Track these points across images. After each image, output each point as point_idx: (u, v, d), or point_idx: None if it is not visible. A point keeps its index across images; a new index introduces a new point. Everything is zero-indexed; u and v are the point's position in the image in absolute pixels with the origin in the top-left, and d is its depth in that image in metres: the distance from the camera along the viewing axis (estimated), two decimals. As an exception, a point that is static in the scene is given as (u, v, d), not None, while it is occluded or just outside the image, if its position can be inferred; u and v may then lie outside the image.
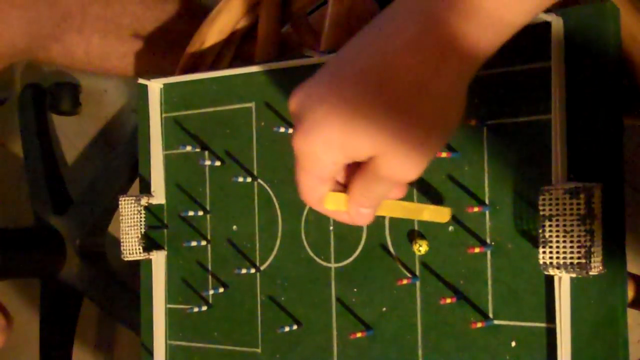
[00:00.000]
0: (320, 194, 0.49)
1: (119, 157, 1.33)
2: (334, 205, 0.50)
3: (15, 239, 1.36)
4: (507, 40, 0.46)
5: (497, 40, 0.46)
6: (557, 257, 0.54)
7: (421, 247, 0.63)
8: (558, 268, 0.54)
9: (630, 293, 0.59)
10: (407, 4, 0.46)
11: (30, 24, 0.86)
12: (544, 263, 0.55)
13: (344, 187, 0.51)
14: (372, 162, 0.46)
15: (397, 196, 0.52)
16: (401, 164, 0.45)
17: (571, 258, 0.54)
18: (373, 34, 0.47)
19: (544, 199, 0.55)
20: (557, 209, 0.55)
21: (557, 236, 0.54)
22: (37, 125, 1.48)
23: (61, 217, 1.36)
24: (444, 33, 0.44)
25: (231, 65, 0.84)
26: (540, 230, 0.55)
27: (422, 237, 0.65)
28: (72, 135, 1.60)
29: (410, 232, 0.66)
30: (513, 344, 0.60)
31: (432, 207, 0.59)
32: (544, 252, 0.55)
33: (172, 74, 0.85)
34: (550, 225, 0.55)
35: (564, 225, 0.54)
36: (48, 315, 1.42)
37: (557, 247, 0.54)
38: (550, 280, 0.58)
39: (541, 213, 0.55)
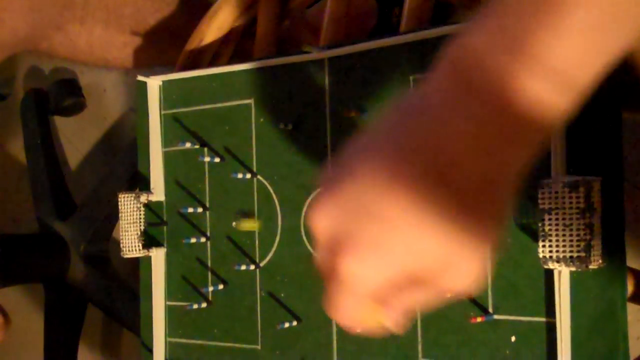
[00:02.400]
0: (362, 313, 0.42)
1: (121, 162, 1.33)
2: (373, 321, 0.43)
3: (19, 244, 1.36)
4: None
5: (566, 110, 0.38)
6: (557, 251, 0.54)
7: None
8: (558, 262, 0.54)
9: (630, 288, 0.58)
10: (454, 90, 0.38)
11: (32, 12, 0.86)
12: (544, 257, 0.55)
13: None
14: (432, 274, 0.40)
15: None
16: (466, 276, 0.40)
17: (571, 252, 0.54)
18: (420, 122, 0.39)
19: (543, 193, 0.55)
20: (557, 203, 0.54)
21: (557, 230, 0.54)
22: (40, 132, 1.48)
23: (65, 222, 1.37)
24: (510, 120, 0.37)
25: (230, 62, 0.84)
26: (540, 224, 0.55)
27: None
28: (72, 136, 1.60)
29: None
30: (513, 338, 0.60)
31: None
32: (544, 246, 0.55)
33: (172, 66, 0.85)
34: (549, 219, 0.55)
35: (564, 219, 0.54)
36: (53, 320, 1.42)
37: (557, 240, 0.54)
38: (549, 274, 0.58)
39: (540, 207, 0.55)
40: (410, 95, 0.40)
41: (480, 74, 0.36)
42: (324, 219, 0.40)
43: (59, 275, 1.32)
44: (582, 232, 0.54)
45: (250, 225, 0.56)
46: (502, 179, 0.39)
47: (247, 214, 0.76)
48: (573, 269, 0.54)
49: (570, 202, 0.54)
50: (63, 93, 1.54)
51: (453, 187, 0.37)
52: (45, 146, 1.48)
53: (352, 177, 0.39)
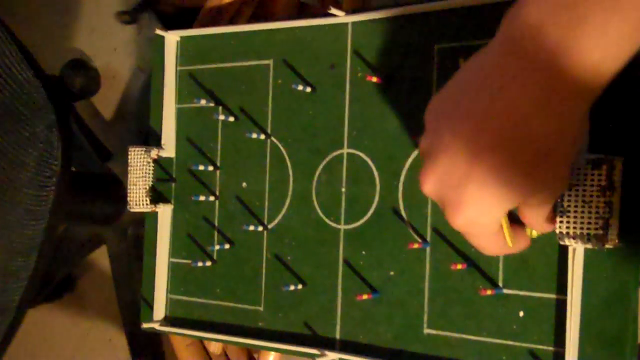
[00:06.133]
0: (501, 242, 0.52)
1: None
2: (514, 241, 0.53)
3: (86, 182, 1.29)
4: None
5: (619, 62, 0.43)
6: (574, 228, 0.54)
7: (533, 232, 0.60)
8: (574, 238, 0.54)
9: (643, 270, 0.58)
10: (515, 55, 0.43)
11: None
12: (561, 232, 0.54)
13: None
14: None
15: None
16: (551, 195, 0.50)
17: (588, 229, 0.53)
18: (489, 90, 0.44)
19: (564, 169, 0.54)
20: (578, 179, 0.54)
21: (576, 206, 0.54)
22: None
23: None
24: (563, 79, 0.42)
25: (250, 22, 0.83)
26: (559, 200, 0.55)
27: None
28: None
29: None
30: (521, 313, 0.60)
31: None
32: (561, 222, 0.54)
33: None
34: (569, 195, 0.54)
35: (584, 196, 0.54)
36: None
37: (575, 217, 0.54)
38: (563, 251, 0.58)
39: (561, 182, 0.54)
40: (478, 62, 0.46)
41: (543, 45, 0.41)
42: (429, 189, 0.48)
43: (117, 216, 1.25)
44: (601, 210, 0.53)
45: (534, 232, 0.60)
46: (567, 135, 0.45)
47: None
48: (589, 246, 0.54)
49: (592, 180, 0.54)
50: (77, 73, 1.49)
51: (526, 147, 0.44)
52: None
53: (444, 150, 0.46)
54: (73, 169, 1.01)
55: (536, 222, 0.53)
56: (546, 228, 0.54)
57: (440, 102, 0.48)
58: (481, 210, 0.47)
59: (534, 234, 0.58)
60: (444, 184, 0.47)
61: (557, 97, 0.42)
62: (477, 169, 0.45)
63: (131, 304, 1.28)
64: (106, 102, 1.55)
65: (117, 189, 1.20)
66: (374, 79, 0.67)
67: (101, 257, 1.36)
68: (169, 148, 0.82)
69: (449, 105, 0.47)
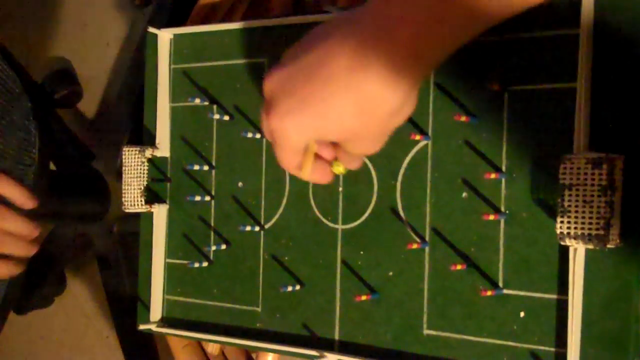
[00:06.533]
0: (296, 162, 0.55)
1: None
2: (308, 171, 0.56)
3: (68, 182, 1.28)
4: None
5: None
6: (575, 228, 0.53)
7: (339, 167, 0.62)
8: (575, 239, 0.53)
9: (644, 269, 0.58)
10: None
11: None
12: (561, 233, 0.54)
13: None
14: (341, 142, 0.53)
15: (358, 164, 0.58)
16: (362, 148, 0.52)
17: (589, 229, 0.53)
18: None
19: (564, 168, 0.54)
20: (578, 179, 0.53)
21: (577, 206, 0.53)
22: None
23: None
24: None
25: (244, 19, 0.82)
26: (559, 200, 0.54)
27: None
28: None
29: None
30: (522, 314, 0.59)
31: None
32: (562, 222, 0.54)
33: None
34: (570, 195, 0.54)
35: (584, 196, 0.53)
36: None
37: (576, 217, 0.53)
38: (564, 251, 0.57)
39: (561, 182, 0.54)
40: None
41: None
42: (269, 83, 0.51)
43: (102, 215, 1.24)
44: (602, 210, 0.53)
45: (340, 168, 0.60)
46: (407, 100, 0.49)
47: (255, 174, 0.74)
48: (590, 246, 0.53)
49: (593, 179, 0.53)
50: (59, 83, 1.47)
51: (356, 90, 0.47)
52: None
53: (294, 61, 0.50)
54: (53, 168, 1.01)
55: (346, 160, 0.56)
56: (353, 166, 0.58)
57: (313, 32, 0.52)
58: (294, 123, 0.50)
59: (340, 170, 0.60)
60: (281, 85, 0.50)
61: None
62: (309, 88, 0.49)
63: (121, 301, 1.28)
64: (95, 99, 1.54)
65: (102, 187, 1.20)
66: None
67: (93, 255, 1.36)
68: (163, 147, 0.81)
69: (320, 31, 0.51)
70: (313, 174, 0.56)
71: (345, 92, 0.48)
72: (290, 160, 0.54)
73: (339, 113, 0.48)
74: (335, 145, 0.56)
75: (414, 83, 0.48)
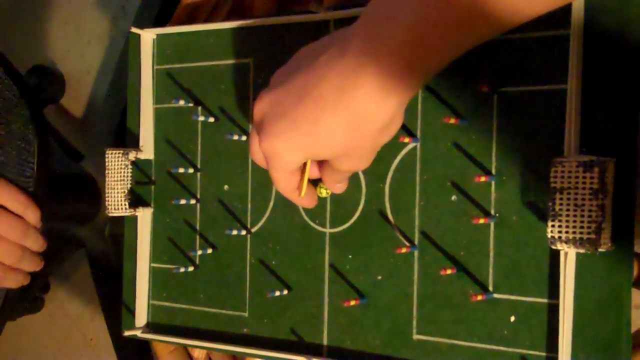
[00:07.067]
0: (292, 184, 0.56)
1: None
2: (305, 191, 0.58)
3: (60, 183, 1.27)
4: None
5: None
6: (567, 232, 0.53)
7: (322, 190, 0.65)
8: (566, 243, 0.53)
9: (634, 272, 0.57)
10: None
11: None
12: (552, 237, 0.53)
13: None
14: (331, 160, 0.54)
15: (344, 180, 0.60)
16: (352, 164, 0.53)
17: (581, 233, 0.52)
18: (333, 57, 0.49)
19: (555, 171, 0.53)
20: (569, 182, 0.53)
21: (568, 210, 0.53)
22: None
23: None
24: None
25: (228, 19, 0.81)
26: (550, 203, 0.53)
27: None
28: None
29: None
30: (512, 318, 0.59)
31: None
32: (553, 226, 0.53)
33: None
34: (561, 199, 0.53)
35: (575, 199, 0.53)
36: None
37: (567, 221, 0.53)
38: (554, 255, 0.56)
39: (552, 185, 0.53)
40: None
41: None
42: (260, 106, 0.53)
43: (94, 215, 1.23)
44: (593, 214, 0.52)
45: (324, 192, 0.66)
46: (395, 118, 0.49)
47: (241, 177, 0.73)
48: (582, 250, 0.53)
49: (584, 182, 0.52)
50: (41, 79, 1.45)
51: (344, 109, 0.48)
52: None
53: (285, 84, 0.51)
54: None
55: (330, 181, 0.58)
56: (337, 190, 0.60)
57: (302, 53, 0.54)
58: (287, 144, 0.51)
59: (324, 193, 0.64)
60: (272, 108, 0.51)
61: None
62: (300, 109, 0.49)
63: (114, 304, 1.26)
64: (78, 98, 1.52)
65: (92, 188, 1.18)
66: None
67: (77, 256, 1.33)
68: (147, 150, 0.80)
69: (308, 53, 0.52)
70: (306, 198, 0.58)
71: (336, 111, 0.48)
72: (286, 182, 0.56)
73: (330, 131, 0.49)
74: (321, 164, 0.58)
75: (404, 97, 0.48)
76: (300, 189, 0.57)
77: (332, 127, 0.49)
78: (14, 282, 0.81)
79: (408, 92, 0.47)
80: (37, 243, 0.81)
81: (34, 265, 0.82)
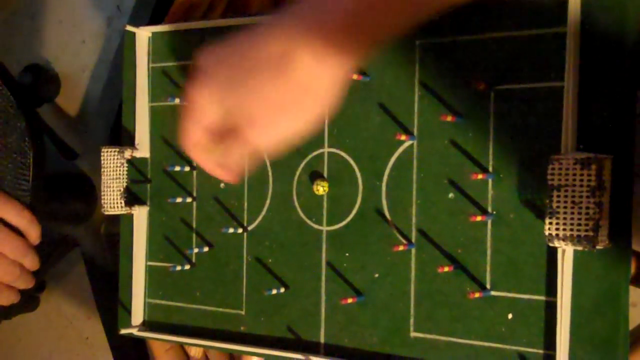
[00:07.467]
0: (196, 138, 0.54)
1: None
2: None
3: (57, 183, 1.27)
4: None
5: None
6: (564, 229, 0.53)
7: (319, 187, 0.66)
8: (564, 240, 0.53)
9: (632, 270, 0.57)
10: None
11: None
12: (550, 234, 0.53)
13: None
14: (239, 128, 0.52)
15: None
16: (258, 137, 0.51)
17: (578, 230, 0.52)
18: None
19: (552, 168, 0.53)
20: (567, 179, 0.53)
21: (565, 207, 0.53)
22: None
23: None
24: None
25: (224, 17, 0.81)
26: (547, 201, 0.53)
27: (323, 179, 0.67)
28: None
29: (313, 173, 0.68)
30: (510, 316, 0.59)
31: None
32: (550, 223, 0.53)
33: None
34: (558, 196, 0.53)
35: (573, 197, 0.53)
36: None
37: (565, 218, 0.53)
38: (552, 252, 0.56)
39: (549, 182, 0.53)
40: None
41: None
42: (202, 60, 0.54)
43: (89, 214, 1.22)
44: (591, 211, 0.52)
45: (321, 189, 0.67)
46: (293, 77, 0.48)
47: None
48: (579, 248, 0.53)
49: (581, 180, 0.52)
50: (36, 78, 1.44)
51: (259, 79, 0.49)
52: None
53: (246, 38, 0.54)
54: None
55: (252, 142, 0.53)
56: (229, 168, 0.56)
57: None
58: (216, 97, 0.51)
59: (321, 191, 0.66)
60: (211, 65, 0.53)
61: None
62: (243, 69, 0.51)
63: (110, 303, 1.26)
64: (73, 97, 1.51)
65: (87, 187, 1.17)
66: (355, 76, 0.65)
67: (72, 255, 1.33)
68: (143, 148, 0.80)
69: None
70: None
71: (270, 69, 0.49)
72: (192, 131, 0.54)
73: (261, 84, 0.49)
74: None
75: (344, 63, 0.48)
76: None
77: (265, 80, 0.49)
78: (6, 300, 0.80)
79: (349, 57, 0.48)
80: (33, 262, 0.80)
81: (27, 283, 0.81)
